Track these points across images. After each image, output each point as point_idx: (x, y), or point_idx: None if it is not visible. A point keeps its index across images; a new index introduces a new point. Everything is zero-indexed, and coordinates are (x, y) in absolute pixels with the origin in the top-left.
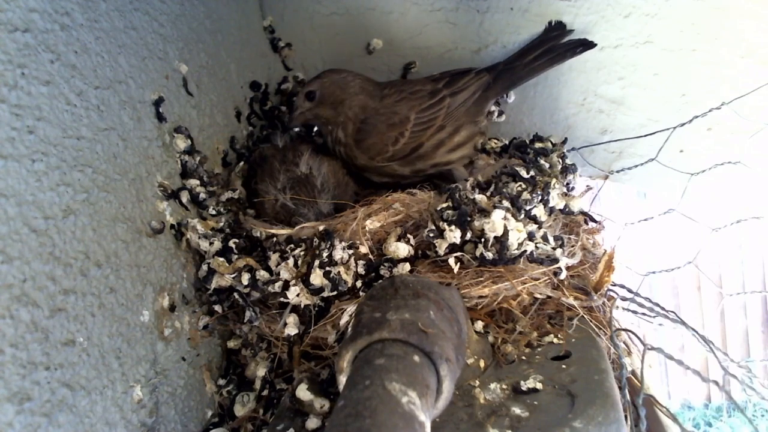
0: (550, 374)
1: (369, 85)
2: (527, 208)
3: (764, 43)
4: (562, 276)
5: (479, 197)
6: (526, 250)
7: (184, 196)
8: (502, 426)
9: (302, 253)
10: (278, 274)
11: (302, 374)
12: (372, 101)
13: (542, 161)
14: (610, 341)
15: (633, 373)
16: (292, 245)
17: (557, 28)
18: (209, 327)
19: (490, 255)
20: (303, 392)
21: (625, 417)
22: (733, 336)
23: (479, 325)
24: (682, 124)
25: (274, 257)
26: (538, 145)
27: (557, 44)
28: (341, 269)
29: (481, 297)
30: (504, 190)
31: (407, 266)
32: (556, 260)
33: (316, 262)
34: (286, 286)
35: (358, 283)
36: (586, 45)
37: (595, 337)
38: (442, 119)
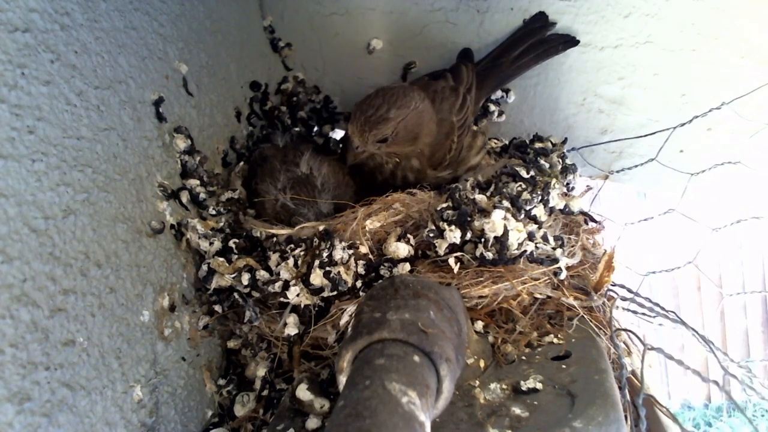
0: (550, 374)
1: (428, 102)
2: (527, 208)
3: (764, 43)
4: (562, 276)
5: (479, 197)
6: (526, 250)
7: (184, 196)
8: (502, 426)
9: (302, 253)
10: (278, 274)
11: (302, 374)
12: (433, 118)
13: (542, 161)
14: (610, 341)
15: (633, 373)
16: (292, 245)
17: (539, 20)
18: (209, 327)
19: (490, 255)
20: (303, 392)
21: (625, 417)
22: (733, 336)
23: (479, 325)
24: (682, 124)
25: (274, 257)
26: (538, 145)
27: (542, 38)
28: (341, 269)
29: (481, 297)
30: (504, 190)
31: (407, 266)
32: (556, 260)
33: (316, 262)
34: (286, 286)
35: (358, 283)
36: (569, 42)
37: (595, 337)
38: (470, 118)
